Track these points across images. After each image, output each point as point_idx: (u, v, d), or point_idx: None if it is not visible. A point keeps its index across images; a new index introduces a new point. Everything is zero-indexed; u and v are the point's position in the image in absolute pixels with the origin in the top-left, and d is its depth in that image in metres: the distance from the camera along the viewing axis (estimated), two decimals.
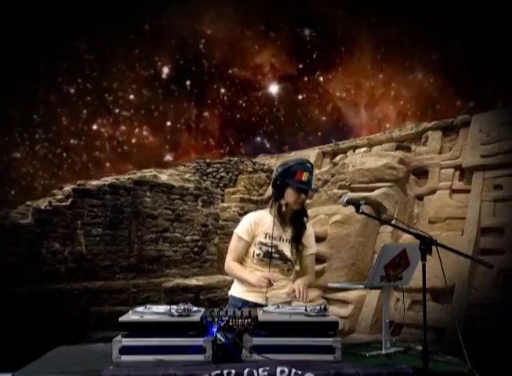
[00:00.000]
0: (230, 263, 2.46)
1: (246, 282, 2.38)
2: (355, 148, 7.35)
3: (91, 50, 16.34)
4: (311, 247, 2.55)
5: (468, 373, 1.78)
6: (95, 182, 7.01)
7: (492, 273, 4.45)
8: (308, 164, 2.42)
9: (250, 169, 9.22)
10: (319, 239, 5.10)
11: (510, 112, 5.38)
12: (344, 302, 5.09)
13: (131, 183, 7.14)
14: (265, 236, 2.43)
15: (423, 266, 1.81)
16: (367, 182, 5.58)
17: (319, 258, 5.09)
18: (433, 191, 5.61)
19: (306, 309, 1.92)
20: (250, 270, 2.43)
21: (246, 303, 2.36)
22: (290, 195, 2.38)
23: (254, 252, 2.43)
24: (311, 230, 2.57)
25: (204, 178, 8.77)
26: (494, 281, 4.50)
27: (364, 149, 7.08)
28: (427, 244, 1.82)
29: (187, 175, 8.43)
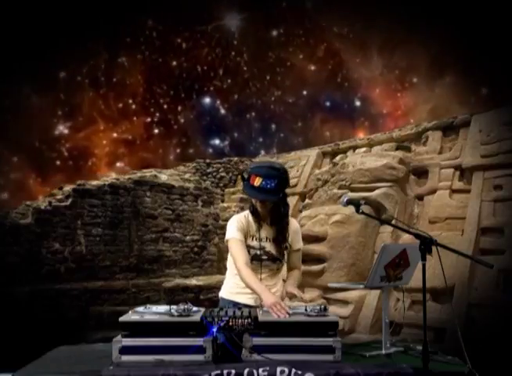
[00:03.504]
0: (243, 271, 2.25)
1: (258, 296, 2.20)
2: (355, 148, 7.36)
3: None
4: (298, 243, 2.52)
5: (468, 373, 1.79)
6: (95, 182, 7.03)
7: (492, 273, 4.44)
8: (270, 170, 2.26)
9: None
10: (319, 239, 5.09)
11: (510, 112, 5.37)
12: (344, 302, 5.09)
13: (131, 183, 7.16)
14: (252, 239, 2.41)
15: (423, 266, 1.81)
16: (367, 182, 5.58)
17: (319, 258, 5.08)
18: (433, 191, 5.60)
19: (306, 309, 1.92)
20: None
21: (236, 305, 2.32)
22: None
23: None
24: (296, 226, 2.56)
25: (204, 178, 8.78)
26: (494, 281, 4.49)
27: (364, 149, 7.08)
28: (427, 244, 1.82)
29: (187, 175, 8.44)
